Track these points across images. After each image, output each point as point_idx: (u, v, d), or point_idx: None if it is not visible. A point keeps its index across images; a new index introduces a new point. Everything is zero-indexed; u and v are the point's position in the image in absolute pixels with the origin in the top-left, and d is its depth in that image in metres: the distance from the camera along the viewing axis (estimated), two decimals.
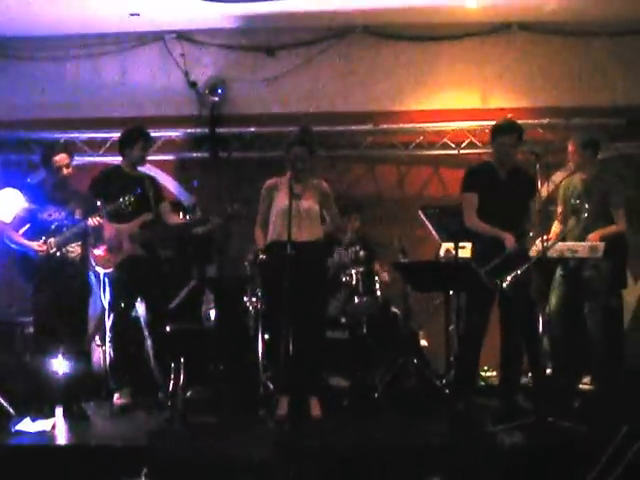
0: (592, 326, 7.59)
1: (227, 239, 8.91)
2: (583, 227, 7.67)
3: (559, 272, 7.69)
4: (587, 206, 7.68)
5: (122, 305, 7.66)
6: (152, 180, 8.07)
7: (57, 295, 7.41)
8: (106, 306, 7.83)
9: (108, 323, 7.77)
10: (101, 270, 7.80)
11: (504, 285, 6.52)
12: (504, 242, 6.79)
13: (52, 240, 7.40)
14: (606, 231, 7.55)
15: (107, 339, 7.79)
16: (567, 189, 7.88)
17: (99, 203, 7.43)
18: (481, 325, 6.91)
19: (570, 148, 7.84)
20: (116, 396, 7.59)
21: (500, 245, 6.79)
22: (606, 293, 7.63)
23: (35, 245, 7.38)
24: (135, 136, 7.91)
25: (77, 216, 7.54)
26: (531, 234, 7.00)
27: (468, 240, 7.39)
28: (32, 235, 7.45)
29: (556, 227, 7.88)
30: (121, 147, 7.99)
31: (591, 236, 7.51)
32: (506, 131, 7.08)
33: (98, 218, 7.40)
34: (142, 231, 7.69)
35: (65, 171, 7.56)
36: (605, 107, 9.49)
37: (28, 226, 7.50)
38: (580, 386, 7.77)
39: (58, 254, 7.42)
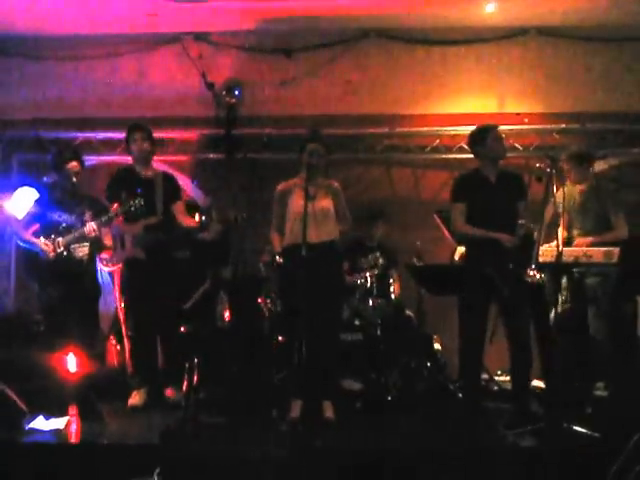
0: (596, 332, 7.58)
1: (242, 241, 8.92)
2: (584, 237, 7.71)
3: (565, 278, 7.70)
4: (587, 218, 7.72)
5: (133, 304, 7.68)
6: (166, 179, 7.92)
7: (63, 294, 7.49)
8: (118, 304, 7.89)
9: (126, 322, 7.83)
10: (104, 268, 7.85)
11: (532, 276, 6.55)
12: (501, 241, 6.80)
13: (60, 240, 7.50)
14: (600, 238, 7.56)
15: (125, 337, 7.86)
16: (568, 200, 7.88)
17: (115, 206, 7.48)
18: (481, 327, 6.91)
19: (564, 165, 7.86)
20: (133, 394, 7.64)
21: (493, 246, 6.78)
22: (615, 299, 7.63)
23: (42, 244, 7.46)
24: (129, 131, 7.86)
25: (87, 218, 7.61)
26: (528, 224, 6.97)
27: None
28: (41, 234, 7.55)
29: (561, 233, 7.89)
30: (125, 146, 8.05)
31: (578, 241, 7.54)
32: (492, 127, 7.20)
33: (94, 226, 7.46)
34: (145, 234, 7.64)
35: (75, 178, 7.63)
36: (621, 113, 9.47)
37: (38, 225, 7.59)
38: (594, 392, 7.74)
39: (65, 254, 7.49)
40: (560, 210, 7.47)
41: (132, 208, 7.43)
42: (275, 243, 7.29)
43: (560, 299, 7.60)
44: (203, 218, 8.15)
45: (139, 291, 7.64)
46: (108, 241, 7.79)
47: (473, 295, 6.82)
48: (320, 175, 7.21)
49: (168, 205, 7.79)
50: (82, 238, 7.56)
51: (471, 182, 7.15)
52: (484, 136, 7.15)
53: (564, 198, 7.46)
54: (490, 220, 6.87)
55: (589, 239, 7.56)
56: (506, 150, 7.19)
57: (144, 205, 7.49)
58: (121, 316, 7.81)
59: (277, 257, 7.24)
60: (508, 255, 6.71)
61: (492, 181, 7.06)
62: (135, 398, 7.59)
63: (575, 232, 7.79)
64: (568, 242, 7.79)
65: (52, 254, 7.49)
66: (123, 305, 7.75)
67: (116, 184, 7.77)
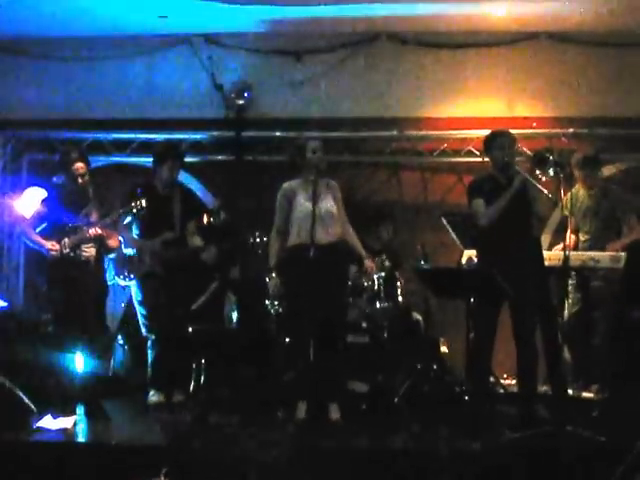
0: (599, 335, 7.60)
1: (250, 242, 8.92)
2: (592, 240, 7.71)
3: (571, 281, 7.71)
4: (595, 220, 7.74)
5: (153, 315, 7.66)
6: (184, 196, 7.92)
7: (70, 294, 7.52)
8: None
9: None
10: (122, 283, 7.78)
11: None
12: (515, 184, 6.83)
13: (66, 240, 7.55)
14: (626, 240, 7.59)
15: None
16: (574, 202, 7.87)
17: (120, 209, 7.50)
18: (490, 330, 6.91)
19: (575, 171, 7.88)
20: (151, 393, 7.64)
21: (508, 247, 6.80)
22: (618, 303, 7.65)
23: (48, 244, 7.53)
24: (164, 155, 7.79)
25: (93, 219, 7.65)
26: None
27: (474, 248, 7.48)
28: (48, 234, 7.61)
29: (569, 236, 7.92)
30: (153, 163, 7.88)
31: (611, 246, 7.55)
32: (502, 133, 7.14)
33: (97, 229, 7.50)
34: (163, 249, 7.64)
35: (81, 180, 7.69)
36: (630, 118, 9.45)
37: (45, 225, 7.63)
38: (585, 394, 7.74)
39: (72, 254, 7.53)
40: (567, 214, 7.50)
41: (134, 210, 7.43)
42: (272, 250, 7.26)
43: (567, 303, 7.63)
44: (224, 216, 8.17)
45: (157, 304, 7.64)
46: (113, 243, 7.81)
47: (482, 298, 6.82)
48: (321, 174, 7.21)
49: (185, 222, 7.80)
50: (87, 239, 7.61)
51: (485, 183, 7.13)
52: (489, 144, 7.15)
53: (571, 202, 7.48)
54: (505, 221, 6.85)
55: (620, 242, 7.60)
56: (510, 160, 7.06)
57: (164, 219, 7.60)
58: (143, 328, 7.74)
59: (273, 270, 7.24)
60: (522, 256, 6.72)
61: (504, 184, 7.01)
62: (155, 396, 7.60)
63: (581, 235, 7.81)
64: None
65: (58, 254, 7.53)
66: (145, 314, 7.70)
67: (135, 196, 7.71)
